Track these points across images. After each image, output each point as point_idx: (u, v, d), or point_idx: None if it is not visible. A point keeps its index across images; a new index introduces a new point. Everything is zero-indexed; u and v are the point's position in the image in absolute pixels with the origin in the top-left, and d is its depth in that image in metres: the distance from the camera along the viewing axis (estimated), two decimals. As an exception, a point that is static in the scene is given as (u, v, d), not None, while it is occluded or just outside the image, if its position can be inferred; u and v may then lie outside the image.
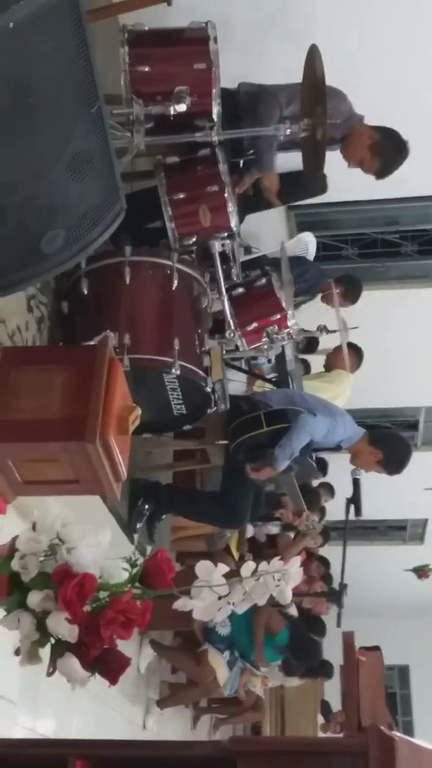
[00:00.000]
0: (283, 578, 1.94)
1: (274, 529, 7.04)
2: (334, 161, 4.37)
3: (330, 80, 3.65)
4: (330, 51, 3.63)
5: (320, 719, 9.49)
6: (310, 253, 6.41)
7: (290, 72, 4.03)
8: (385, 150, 4.25)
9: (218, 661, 5.69)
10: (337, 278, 6.12)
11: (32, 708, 3.39)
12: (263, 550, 6.98)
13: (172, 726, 6.19)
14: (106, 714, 4.49)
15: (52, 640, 1.90)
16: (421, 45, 5.55)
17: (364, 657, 2.19)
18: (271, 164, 4.23)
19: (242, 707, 7.15)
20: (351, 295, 6.04)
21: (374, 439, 4.60)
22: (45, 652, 1.93)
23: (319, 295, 6.07)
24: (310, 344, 6.41)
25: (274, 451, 4.35)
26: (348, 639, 2.14)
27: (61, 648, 1.89)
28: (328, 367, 6.30)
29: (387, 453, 4.58)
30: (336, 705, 9.46)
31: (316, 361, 6.65)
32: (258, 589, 1.94)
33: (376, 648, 2.26)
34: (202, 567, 1.92)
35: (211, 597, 1.90)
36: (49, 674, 1.93)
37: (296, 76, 3.85)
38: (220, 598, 1.91)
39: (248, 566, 1.95)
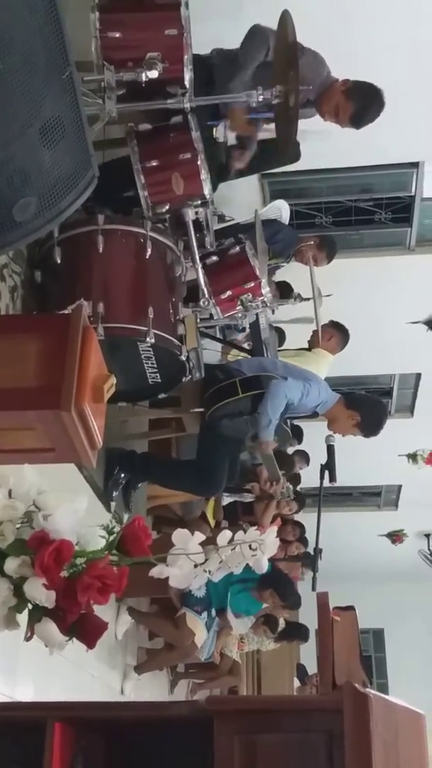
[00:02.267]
0: (259, 548, 1.96)
1: (247, 498, 7.09)
2: (307, 129, 4.36)
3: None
4: (304, 15, 3.62)
5: (296, 682, 9.64)
6: (284, 218, 6.39)
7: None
8: (360, 92, 4.21)
9: (196, 623, 5.76)
10: (312, 235, 6.10)
11: (10, 674, 3.41)
12: (240, 517, 7.03)
13: (149, 691, 6.26)
14: (84, 680, 4.53)
15: (30, 606, 1.92)
16: (389, 13, 5.54)
17: (339, 616, 2.24)
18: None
19: (219, 672, 7.24)
20: (326, 249, 5.95)
21: (350, 403, 4.65)
22: (22, 617, 1.95)
23: (293, 260, 6.03)
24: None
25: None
26: (322, 599, 2.18)
27: (38, 613, 1.91)
28: (312, 345, 6.27)
29: (364, 415, 4.64)
30: (312, 668, 9.61)
31: (292, 331, 6.66)
32: (234, 558, 1.96)
33: (351, 608, 2.31)
34: (179, 535, 1.94)
35: (188, 565, 1.93)
36: (27, 639, 1.95)
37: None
38: (196, 566, 1.93)
39: (224, 535, 1.97)
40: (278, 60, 3.75)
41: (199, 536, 1.95)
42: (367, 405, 4.78)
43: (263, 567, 1.97)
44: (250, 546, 1.96)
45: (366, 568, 12.94)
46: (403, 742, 1.98)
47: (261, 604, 6.17)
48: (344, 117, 4.24)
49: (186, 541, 1.94)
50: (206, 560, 1.94)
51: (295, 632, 7.35)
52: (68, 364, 2.56)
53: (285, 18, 3.61)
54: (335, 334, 6.17)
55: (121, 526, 2.06)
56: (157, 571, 1.93)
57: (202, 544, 1.95)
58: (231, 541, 1.96)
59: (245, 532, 1.98)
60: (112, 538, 2.01)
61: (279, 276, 6.17)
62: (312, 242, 5.83)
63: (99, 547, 1.99)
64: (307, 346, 6.33)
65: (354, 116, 4.22)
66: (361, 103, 4.19)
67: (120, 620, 5.47)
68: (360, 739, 1.76)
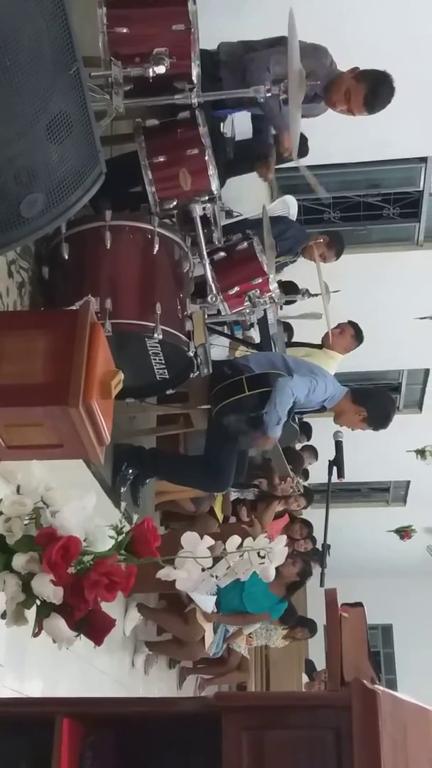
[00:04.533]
0: (267, 556, 1.95)
1: (250, 496, 7.10)
2: (315, 123, 4.34)
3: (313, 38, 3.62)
4: (308, 10, 3.60)
5: (304, 678, 9.64)
6: (292, 214, 6.39)
7: (272, 33, 4.00)
8: (370, 75, 4.12)
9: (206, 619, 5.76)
10: (320, 232, 6.10)
11: (19, 670, 3.42)
12: (248, 512, 7.03)
13: (158, 687, 6.26)
14: (93, 675, 4.54)
15: (38, 602, 1.92)
16: (395, 9, 5.53)
17: (347, 613, 2.23)
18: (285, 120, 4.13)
19: (227, 667, 7.25)
20: (335, 245, 5.95)
21: (357, 397, 4.65)
22: (31, 614, 1.95)
23: (301, 257, 6.03)
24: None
25: (263, 419, 4.39)
26: (331, 595, 2.18)
27: (46, 609, 1.91)
28: (324, 343, 6.26)
29: (371, 409, 4.63)
30: (320, 664, 9.63)
31: (300, 326, 6.65)
32: (241, 565, 1.95)
33: (359, 604, 2.30)
34: (188, 538, 1.93)
35: (195, 570, 1.92)
36: (35, 635, 1.95)
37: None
38: (203, 569, 1.92)
39: (233, 540, 1.96)
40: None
41: (208, 540, 1.94)
42: (373, 399, 4.78)
43: (270, 576, 1.95)
44: (258, 553, 1.95)
45: (374, 563, 12.95)
46: (411, 738, 1.98)
47: (277, 598, 6.17)
48: (356, 102, 4.13)
49: (195, 544, 1.93)
50: (213, 566, 1.93)
51: (303, 623, 7.36)
52: (76, 361, 2.56)
53: (293, 17, 3.58)
54: (350, 335, 6.16)
55: (131, 526, 2.06)
56: (164, 574, 1.92)
57: (211, 537, 1.95)
58: (240, 546, 1.95)
59: (253, 526, 1.98)
60: (121, 538, 2.01)
61: (286, 273, 6.17)
62: (321, 240, 5.82)
63: (107, 545, 1.99)
64: (319, 342, 6.33)
65: (367, 98, 4.09)
66: (372, 85, 4.09)
67: (128, 616, 5.47)
68: (368, 736, 1.76)
